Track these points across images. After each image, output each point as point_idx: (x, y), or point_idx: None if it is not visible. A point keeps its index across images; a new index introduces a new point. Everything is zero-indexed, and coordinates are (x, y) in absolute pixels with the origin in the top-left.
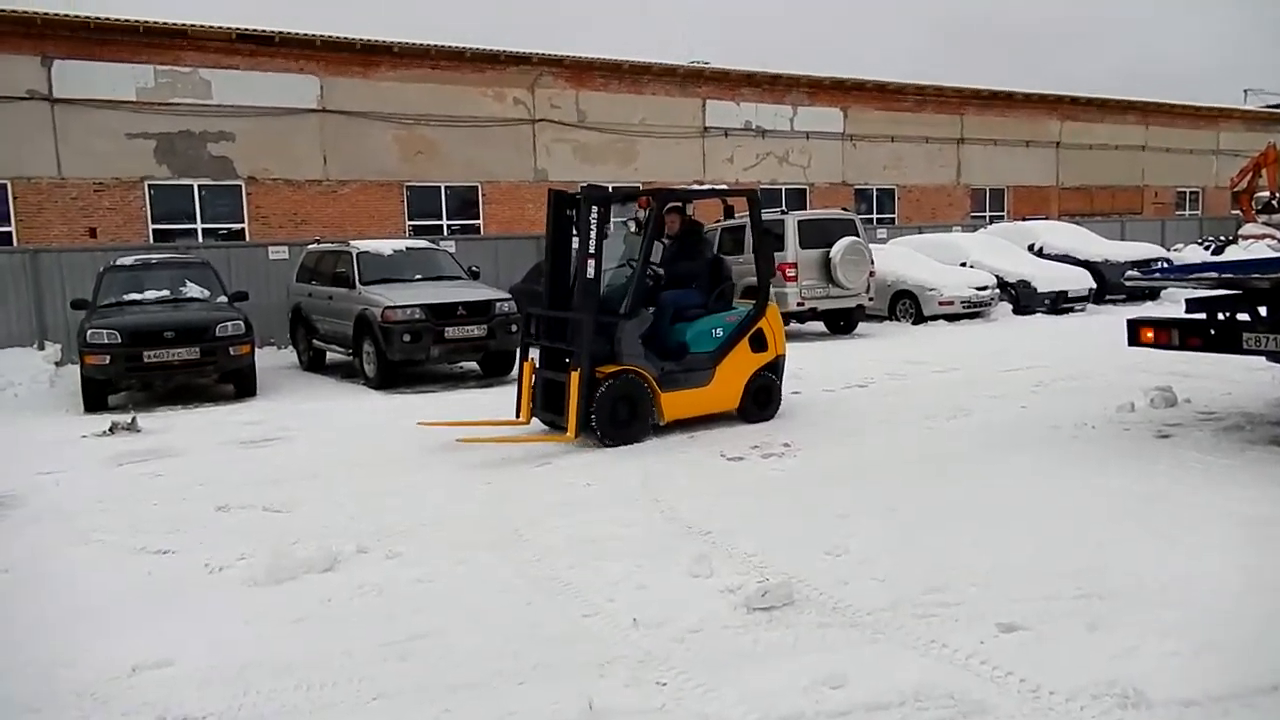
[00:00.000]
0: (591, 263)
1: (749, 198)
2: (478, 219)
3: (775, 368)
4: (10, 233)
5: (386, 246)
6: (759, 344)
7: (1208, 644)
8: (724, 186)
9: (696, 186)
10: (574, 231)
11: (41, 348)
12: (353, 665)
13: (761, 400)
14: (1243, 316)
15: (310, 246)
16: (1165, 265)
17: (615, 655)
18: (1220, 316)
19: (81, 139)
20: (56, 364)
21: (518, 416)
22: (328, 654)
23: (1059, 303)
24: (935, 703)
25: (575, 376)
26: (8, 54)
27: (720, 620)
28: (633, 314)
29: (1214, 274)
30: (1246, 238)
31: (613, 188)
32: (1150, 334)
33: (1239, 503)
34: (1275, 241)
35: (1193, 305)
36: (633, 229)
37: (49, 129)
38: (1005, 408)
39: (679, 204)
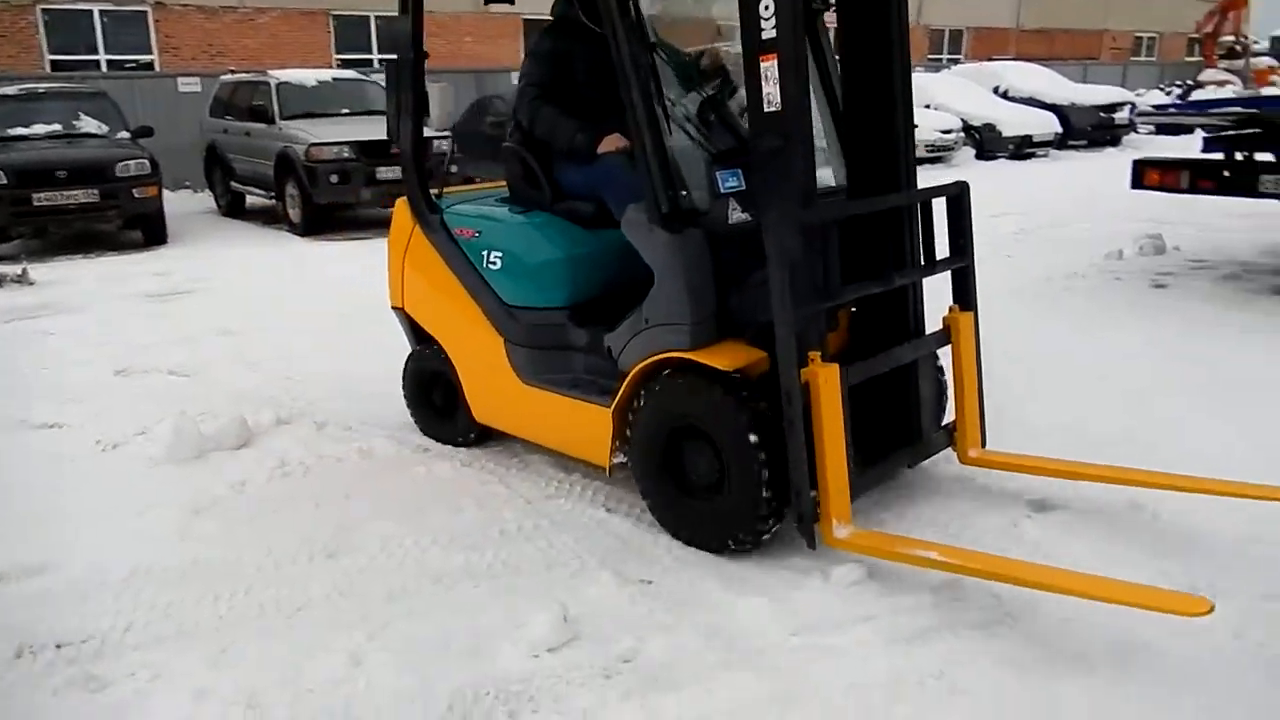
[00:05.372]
0: None
1: None
2: None
3: None
4: None
5: (310, 77)
6: None
7: None
8: None
9: None
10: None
11: None
12: (271, 567)
13: None
14: (1262, 157)
15: (223, 78)
16: (1133, 108)
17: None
18: (1238, 157)
19: None
20: None
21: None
22: (241, 553)
23: (1024, 147)
24: None
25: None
26: None
27: None
28: None
29: (1238, 107)
30: (1207, 83)
31: None
32: (1157, 176)
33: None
34: (1237, 87)
35: (1210, 144)
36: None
37: None
38: (990, 258)
39: None
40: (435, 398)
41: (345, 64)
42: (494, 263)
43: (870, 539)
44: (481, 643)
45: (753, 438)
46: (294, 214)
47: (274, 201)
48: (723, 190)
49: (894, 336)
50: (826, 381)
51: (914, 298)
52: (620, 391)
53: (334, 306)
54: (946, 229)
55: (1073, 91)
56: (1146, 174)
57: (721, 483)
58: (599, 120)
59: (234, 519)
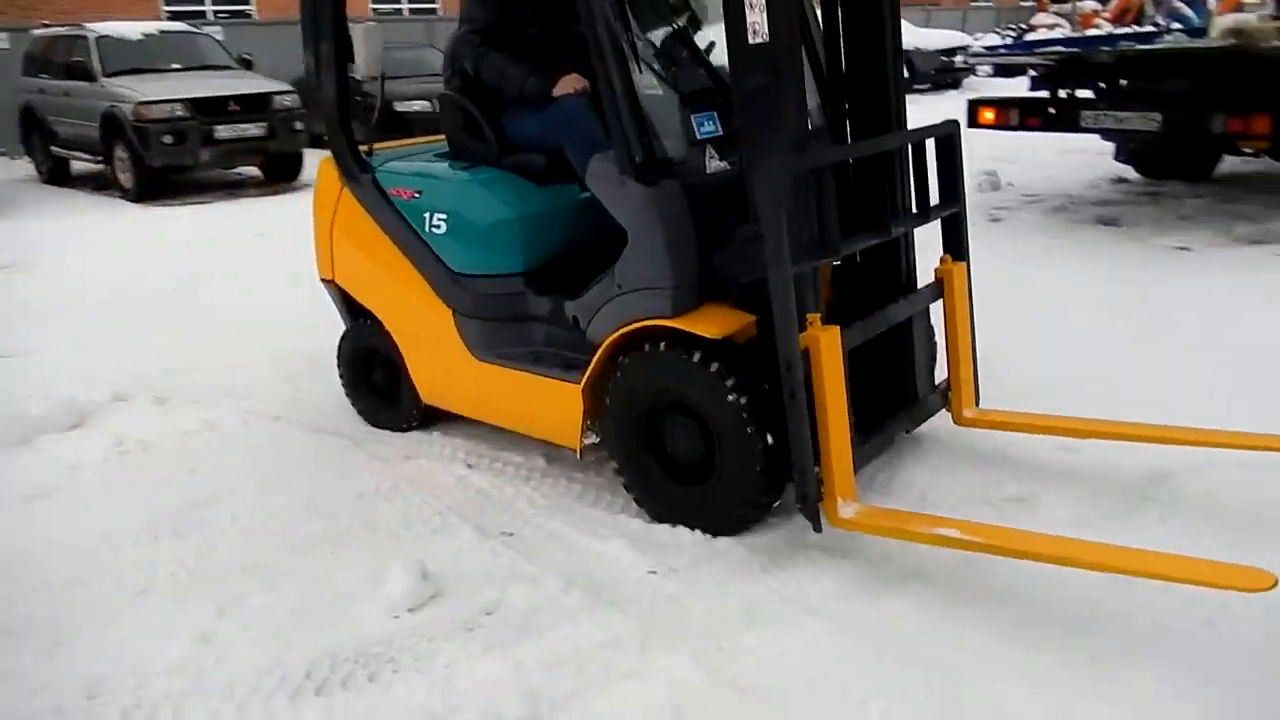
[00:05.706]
0: None
1: None
2: (248, 4)
3: None
4: None
5: (134, 30)
6: None
7: None
8: None
9: None
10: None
11: None
12: (110, 551)
13: None
14: (1083, 94)
15: (35, 32)
16: (968, 50)
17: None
18: (1061, 95)
19: None
20: None
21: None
22: (77, 540)
23: None
24: None
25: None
26: None
27: None
28: None
29: (1059, 47)
30: (1039, 27)
31: None
32: (990, 114)
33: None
34: (1065, 30)
35: (1037, 83)
36: None
37: None
38: None
39: None
40: (376, 378)
41: (175, 16)
42: (438, 226)
43: (880, 517)
44: (340, 608)
45: (747, 412)
46: (125, 179)
47: (102, 166)
48: (699, 136)
49: (887, 292)
50: (828, 346)
51: (906, 248)
52: (591, 365)
53: (173, 274)
54: (936, 172)
55: (917, 36)
56: (980, 113)
57: (712, 462)
58: (550, 63)
59: (68, 504)
